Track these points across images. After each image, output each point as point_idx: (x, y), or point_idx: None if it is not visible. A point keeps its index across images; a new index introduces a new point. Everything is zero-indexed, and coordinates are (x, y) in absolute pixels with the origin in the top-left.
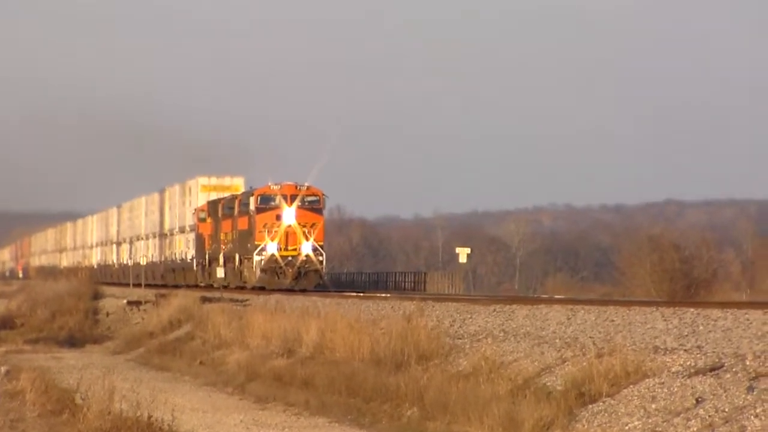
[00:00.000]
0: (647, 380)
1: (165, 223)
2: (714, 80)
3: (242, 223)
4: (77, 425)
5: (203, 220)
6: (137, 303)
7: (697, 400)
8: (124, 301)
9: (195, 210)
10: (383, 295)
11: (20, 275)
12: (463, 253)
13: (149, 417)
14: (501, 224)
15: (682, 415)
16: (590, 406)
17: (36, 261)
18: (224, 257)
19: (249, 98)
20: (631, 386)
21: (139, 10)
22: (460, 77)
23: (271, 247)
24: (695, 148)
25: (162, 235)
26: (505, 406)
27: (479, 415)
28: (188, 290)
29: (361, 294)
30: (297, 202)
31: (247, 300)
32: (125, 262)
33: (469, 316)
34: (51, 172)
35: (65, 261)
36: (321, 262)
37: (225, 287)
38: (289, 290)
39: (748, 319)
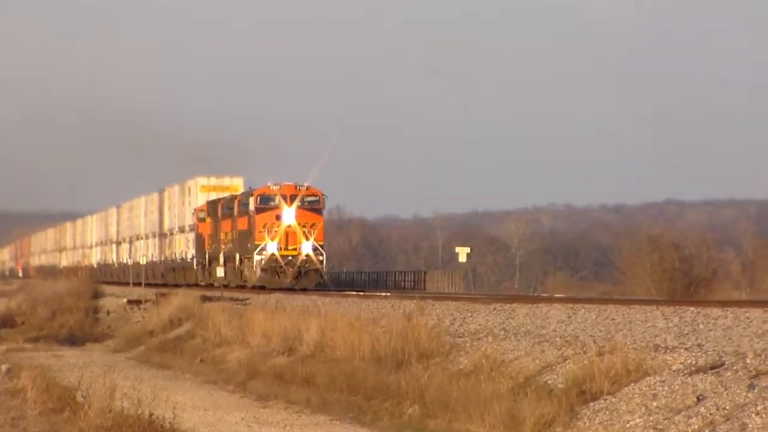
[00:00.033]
0: (648, 378)
1: (164, 223)
2: (714, 80)
3: (242, 223)
4: (78, 423)
5: (203, 220)
6: (137, 302)
7: (698, 398)
8: (125, 299)
9: (194, 210)
10: (383, 294)
11: (20, 275)
12: (462, 253)
13: (150, 415)
14: (501, 224)
15: (683, 412)
16: (591, 403)
17: (36, 260)
18: (224, 257)
19: (249, 98)
20: (632, 384)
21: (138, 10)
22: (460, 77)
23: (272, 247)
24: (695, 148)
25: (162, 235)
26: (506, 404)
27: (480, 413)
28: (188, 289)
29: (362, 293)
30: (297, 203)
31: (247, 299)
32: (125, 262)
33: (469, 314)
34: (51, 172)
35: (65, 260)
36: (321, 261)
37: (225, 286)
38: (290, 289)
39: (748, 318)
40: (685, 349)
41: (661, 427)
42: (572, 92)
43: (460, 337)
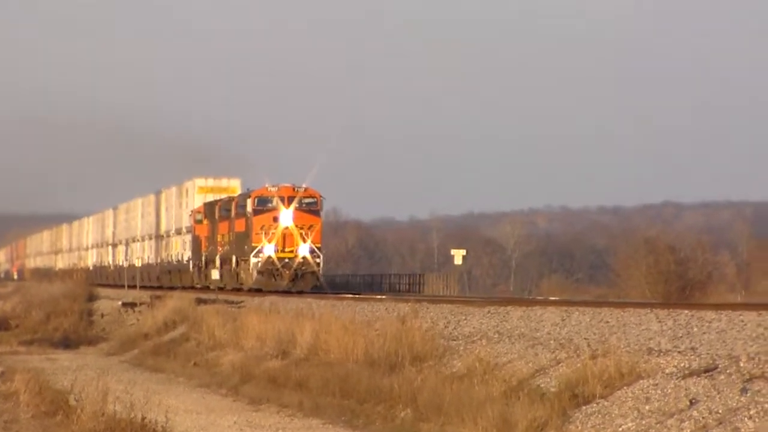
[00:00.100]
0: (641, 381)
1: (161, 225)
2: (714, 80)
3: (239, 225)
4: (71, 426)
5: (200, 221)
6: (132, 304)
7: (690, 402)
8: (119, 302)
9: (191, 212)
10: (378, 296)
11: (15, 277)
12: (458, 255)
13: (143, 418)
14: (496, 226)
15: (675, 416)
16: (584, 407)
17: (31, 263)
18: (221, 259)
19: (247, 99)
20: (625, 387)
21: (137, 12)
22: (460, 77)
23: (268, 249)
24: (693, 150)
25: (158, 237)
26: (499, 408)
27: (473, 416)
28: (183, 292)
29: (356, 296)
30: (294, 204)
31: (241, 301)
32: (121, 264)
33: (463, 317)
34: (47, 174)
35: (61, 263)
36: (318, 264)
37: (221, 289)
38: (286, 292)
39: (742, 321)
40: (679, 352)
41: (654, 430)
42: (570, 93)
43: (454, 340)
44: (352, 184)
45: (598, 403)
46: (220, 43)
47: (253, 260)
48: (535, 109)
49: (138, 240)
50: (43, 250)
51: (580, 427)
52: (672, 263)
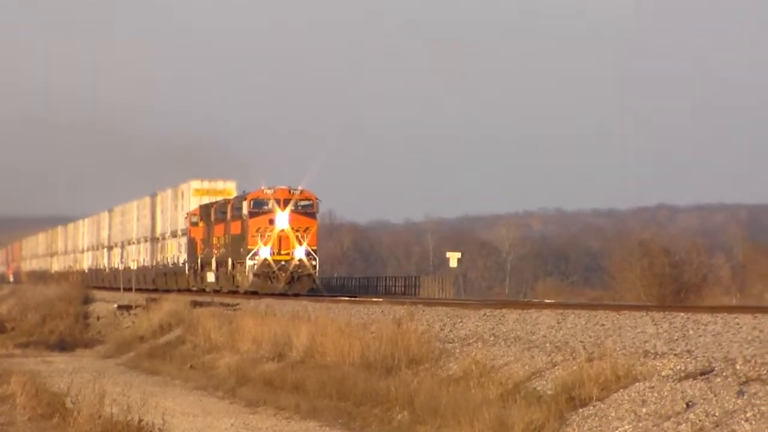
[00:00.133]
0: (637, 384)
1: (157, 228)
2: (714, 80)
3: (235, 228)
4: (68, 429)
5: (195, 224)
6: (128, 307)
7: (687, 404)
8: (115, 305)
9: (187, 214)
10: (374, 299)
11: (11, 279)
12: (453, 258)
13: (140, 421)
14: (492, 228)
15: (672, 419)
16: (581, 409)
17: (27, 265)
18: (216, 262)
19: (246, 99)
20: (622, 390)
21: (136, 12)
22: (460, 77)
23: (264, 252)
24: (690, 152)
25: (154, 240)
26: (495, 410)
27: (469, 418)
28: (179, 294)
29: (352, 298)
30: (290, 207)
31: (237, 304)
32: (116, 267)
33: (459, 320)
34: (43, 176)
35: (56, 265)
36: (314, 266)
37: (217, 291)
38: (282, 295)
39: (738, 324)
40: (675, 355)
41: None
42: (567, 95)
43: (450, 342)
44: (347, 186)
45: (594, 406)
46: (220, 43)
47: (249, 263)
48: (531, 110)
49: (133, 242)
50: (38, 252)
51: (576, 430)
52: (667, 266)
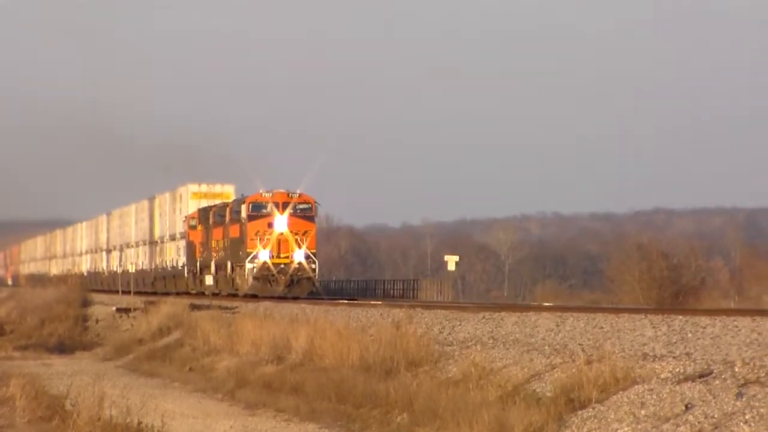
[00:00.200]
0: (636, 386)
1: (155, 231)
2: (711, 84)
3: (234, 231)
4: (67, 431)
5: (194, 227)
6: (126, 310)
7: (686, 407)
8: (113, 308)
9: (186, 217)
10: (373, 302)
11: (10, 283)
12: (451, 261)
13: (139, 423)
14: (489, 232)
15: (671, 421)
16: (580, 412)
17: (25, 268)
18: (216, 265)
19: (244, 102)
20: (621, 392)
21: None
22: (460, 77)
23: (263, 255)
24: (687, 155)
25: (152, 243)
26: (494, 412)
27: (469, 421)
28: (178, 297)
29: (351, 301)
30: (289, 210)
31: (236, 307)
32: (115, 270)
33: (458, 323)
34: (40, 180)
35: (55, 268)
36: (314, 269)
37: (216, 295)
38: (280, 298)
39: (736, 326)
40: (674, 357)
41: None
42: (563, 100)
43: (449, 345)
44: (344, 189)
45: (593, 408)
46: (218, 43)
47: (248, 266)
48: (528, 114)
49: (132, 246)
50: (37, 255)
51: None
52: (665, 269)
